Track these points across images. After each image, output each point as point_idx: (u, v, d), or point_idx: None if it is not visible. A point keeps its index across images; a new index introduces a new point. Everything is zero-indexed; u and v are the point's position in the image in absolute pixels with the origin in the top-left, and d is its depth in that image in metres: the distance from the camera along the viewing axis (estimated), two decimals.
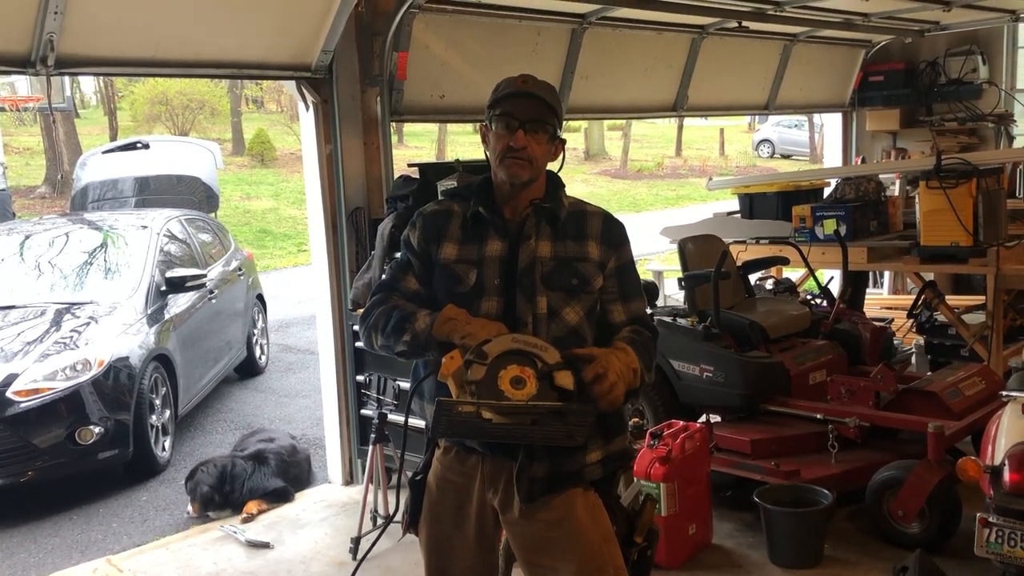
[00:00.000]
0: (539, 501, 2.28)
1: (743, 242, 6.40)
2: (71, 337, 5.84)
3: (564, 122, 2.41)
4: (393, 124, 5.69)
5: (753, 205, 6.80)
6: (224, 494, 5.09)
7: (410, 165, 5.39)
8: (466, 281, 2.32)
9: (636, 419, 4.83)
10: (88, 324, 6.00)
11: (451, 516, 2.41)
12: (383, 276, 2.51)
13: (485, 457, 2.34)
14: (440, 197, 2.52)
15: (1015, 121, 8.61)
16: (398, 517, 2.59)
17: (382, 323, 2.34)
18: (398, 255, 2.50)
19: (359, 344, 5.14)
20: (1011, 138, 8.58)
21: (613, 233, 2.39)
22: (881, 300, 8.36)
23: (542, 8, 5.99)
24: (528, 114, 2.27)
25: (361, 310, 4.99)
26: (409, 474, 2.54)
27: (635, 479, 3.93)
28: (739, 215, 7.02)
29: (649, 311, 2.35)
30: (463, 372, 2.15)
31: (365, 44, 5.18)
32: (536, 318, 2.28)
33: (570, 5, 6.00)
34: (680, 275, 5.45)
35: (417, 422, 2.50)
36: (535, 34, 6.19)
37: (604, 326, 2.37)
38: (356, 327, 5.12)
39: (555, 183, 2.42)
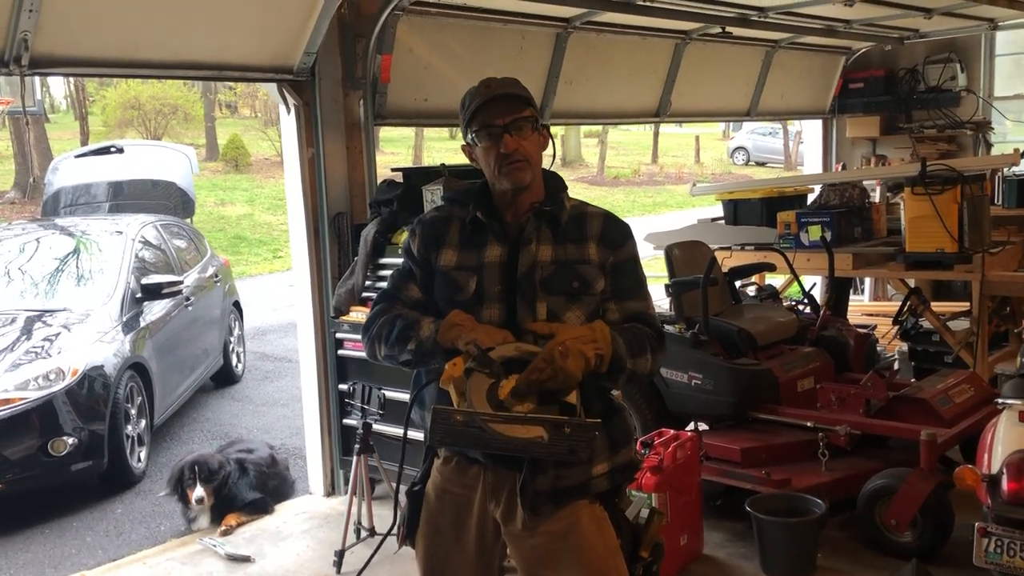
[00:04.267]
0: (543, 513, 2.21)
1: (728, 248, 6.37)
2: (43, 346, 5.69)
3: (548, 127, 2.37)
4: None
5: (737, 211, 6.78)
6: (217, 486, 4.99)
7: (394, 170, 5.30)
8: (466, 288, 2.26)
9: None
10: (61, 332, 5.84)
11: (450, 528, 2.34)
12: (385, 286, 2.43)
13: (487, 468, 2.27)
14: (439, 202, 2.46)
15: (993, 128, 8.66)
16: (392, 529, 2.50)
17: (385, 332, 2.28)
18: (399, 261, 2.43)
19: (342, 352, 5.04)
20: (989, 145, 8.63)
21: (613, 233, 2.32)
22: (862, 306, 8.37)
23: (527, 12, 5.92)
24: (505, 116, 2.22)
25: (344, 317, 4.95)
26: (404, 485, 2.45)
27: (629, 491, 3.85)
28: (723, 221, 6.99)
29: None
30: (464, 380, 2.08)
31: (348, 46, 5.09)
32: None
33: (555, 9, 5.94)
34: (666, 281, 5.39)
35: (410, 433, 2.40)
36: (520, 38, 6.13)
37: None
38: (339, 335, 5.02)
39: (556, 185, 2.36)
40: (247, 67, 4.83)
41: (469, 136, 2.29)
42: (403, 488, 2.49)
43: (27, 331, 5.87)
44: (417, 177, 4.98)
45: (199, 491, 4.92)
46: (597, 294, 2.27)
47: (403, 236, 4.81)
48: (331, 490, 5.29)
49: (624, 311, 2.28)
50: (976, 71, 8.62)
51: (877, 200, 7.66)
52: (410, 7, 5.23)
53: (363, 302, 4.93)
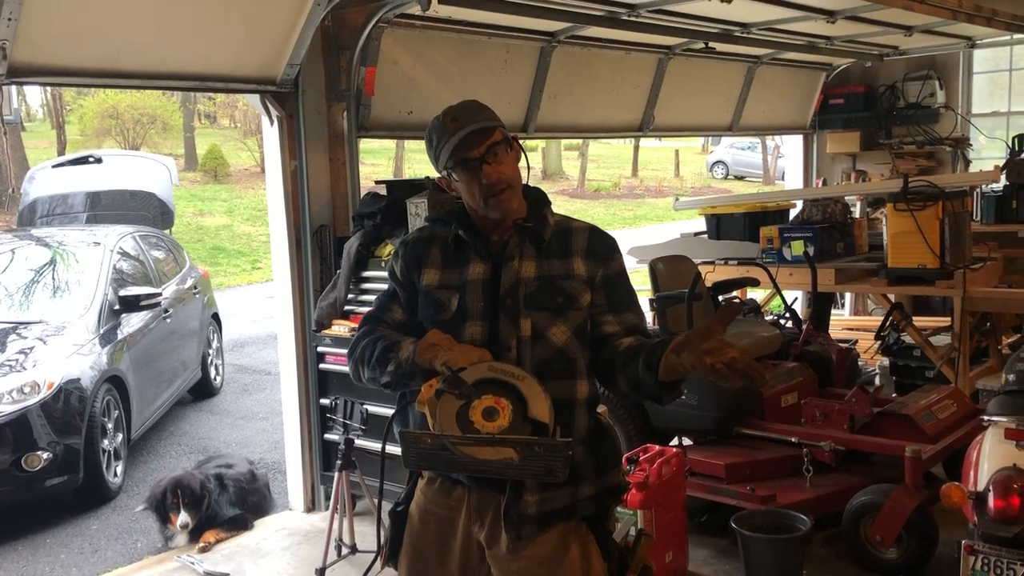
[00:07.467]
0: (527, 536, 2.17)
1: (711, 263, 6.37)
2: (18, 359, 5.59)
3: (525, 142, 2.32)
4: None
5: (720, 226, 6.79)
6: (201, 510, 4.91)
7: (377, 182, 5.26)
8: (448, 307, 2.24)
9: None
10: (36, 345, 5.74)
11: (434, 550, 2.30)
12: (371, 308, 2.40)
13: (471, 489, 2.23)
14: (423, 216, 2.42)
15: (971, 145, 8.75)
16: (368, 547, 2.46)
17: (367, 355, 2.25)
18: (382, 275, 2.40)
19: (323, 366, 4.98)
20: (967, 162, 8.72)
21: (600, 246, 2.30)
22: (843, 321, 8.40)
23: (512, 25, 5.91)
24: (478, 147, 2.18)
25: (326, 330, 4.90)
26: (387, 503, 2.41)
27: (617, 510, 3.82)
28: (706, 235, 7.00)
29: None
30: (435, 402, 2.05)
31: (332, 58, 5.06)
32: (520, 342, 2.18)
33: (539, 23, 5.93)
34: (650, 296, 5.38)
35: (390, 449, 2.37)
36: (504, 51, 6.12)
37: (598, 342, 2.26)
38: (320, 348, 4.97)
39: (539, 201, 2.33)
40: (230, 78, 4.78)
41: (444, 171, 2.25)
42: (386, 506, 2.45)
43: (1, 343, 5.77)
44: (401, 190, 4.95)
45: (184, 517, 4.83)
46: (583, 308, 2.25)
47: (386, 249, 4.78)
48: (312, 506, 5.22)
49: (624, 323, 2.26)
50: (955, 88, 8.72)
51: (857, 215, 7.71)
52: (395, 20, 5.20)
53: (345, 315, 4.88)
